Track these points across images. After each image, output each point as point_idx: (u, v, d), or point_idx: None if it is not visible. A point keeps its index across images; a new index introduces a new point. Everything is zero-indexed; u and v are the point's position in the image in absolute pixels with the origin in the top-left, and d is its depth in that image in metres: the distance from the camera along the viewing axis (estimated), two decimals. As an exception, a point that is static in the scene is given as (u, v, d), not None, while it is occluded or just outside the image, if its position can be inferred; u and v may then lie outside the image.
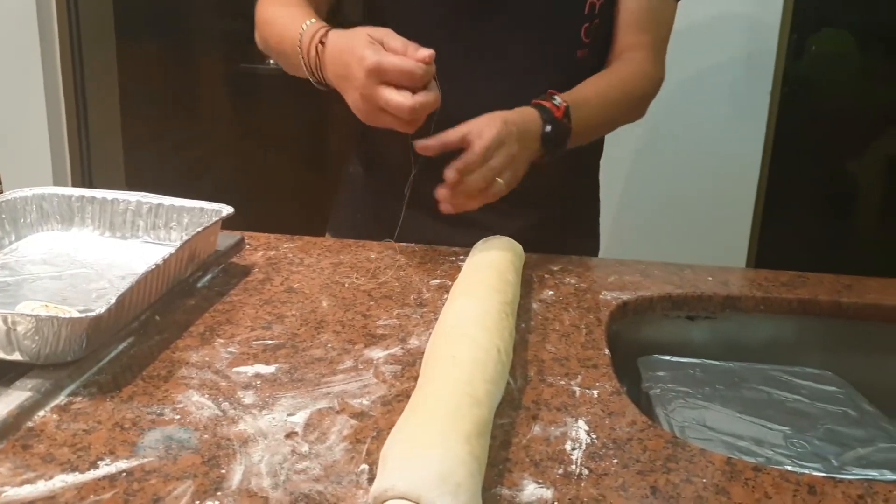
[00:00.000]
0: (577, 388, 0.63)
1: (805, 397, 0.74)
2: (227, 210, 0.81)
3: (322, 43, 0.82)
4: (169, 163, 2.36)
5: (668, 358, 0.81)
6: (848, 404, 0.73)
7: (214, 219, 0.80)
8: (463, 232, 0.98)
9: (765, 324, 0.86)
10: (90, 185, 1.95)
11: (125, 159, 2.05)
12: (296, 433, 0.55)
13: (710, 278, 0.87)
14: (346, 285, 0.80)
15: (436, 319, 0.72)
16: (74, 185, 1.93)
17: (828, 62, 2.27)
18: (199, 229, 0.75)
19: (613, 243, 1.84)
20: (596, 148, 1.10)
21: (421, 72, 0.74)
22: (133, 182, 2.06)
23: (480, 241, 0.84)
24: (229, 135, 2.66)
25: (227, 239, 0.87)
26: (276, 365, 0.64)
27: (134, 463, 0.51)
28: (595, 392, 0.62)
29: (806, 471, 0.59)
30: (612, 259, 0.92)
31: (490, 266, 0.74)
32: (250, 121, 2.67)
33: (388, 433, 0.52)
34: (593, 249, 1.14)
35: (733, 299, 0.84)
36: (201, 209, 0.83)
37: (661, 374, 0.77)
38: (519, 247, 0.84)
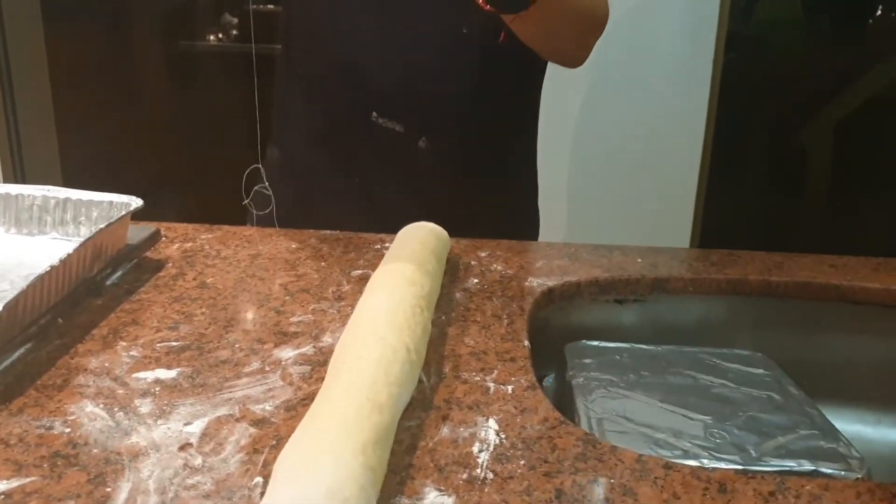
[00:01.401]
0: (491, 384, 0.61)
1: (731, 381, 0.73)
2: (135, 203, 0.78)
3: None
4: (108, 147, 2.30)
5: (595, 343, 0.79)
6: (774, 388, 0.72)
7: (122, 213, 0.76)
8: (375, 217, 0.96)
9: (695, 305, 0.85)
10: (23, 177, 1.88)
11: (60, 146, 1.98)
12: (190, 444, 0.52)
13: (640, 260, 0.86)
14: (263, 279, 0.77)
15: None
16: (6, 179, 1.87)
17: (773, 27, 2.27)
18: (103, 226, 0.72)
19: (554, 219, 1.83)
20: (530, 114, 1.07)
21: None
22: (70, 169, 2.00)
23: (403, 230, 0.81)
24: (170, 115, 2.59)
25: (141, 231, 0.83)
26: (179, 369, 0.61)
27: (14, 484, 0.48)
28: (510, 388, 0.60)
29: (722, 464, 0.58)
30: (543, 242, 0.90)
31: (408, 257, 0.72)
32: (192, 100, 2.60)
33: (287, 441, 0.49)
34: (532, 228, 1.13)
35: (661, 281, 0.83)
36: (110, 203, 0.80)
37: (587, 360, 0.75)
38: (444, 233, 0.82)
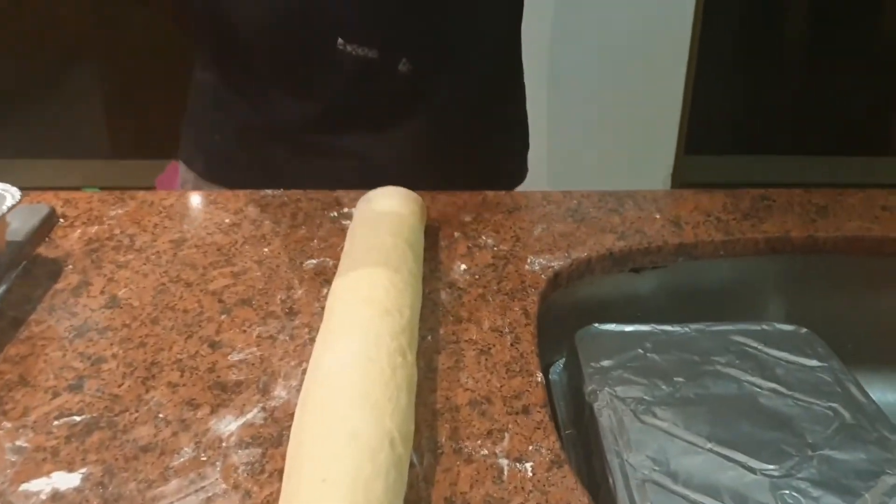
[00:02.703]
0: (504, 461, 0.46)
1: (783, 384, 0.59)
2: (12, 197, 0.59)
3: None
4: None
5: (611, 328, 0.65)
6: (834, 393, 0.58)
7: (-6, 214, 0.58)
8: (342, 166, 0.78)
9: (723, 268, 0.70)
10: None
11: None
12: None
13: (658, 216, 0.70)
14: (190, 284, 0.60)
15: (311, 339, 0.54)
16: None
17: None
18: (-35, 246, 0.54)
19: (538, 117, 1.66)
20: (515, 13, 0.88)
21: None
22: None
23: (364, 202, 0.64)
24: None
25: (30, 216, 0.65)
26: (84, 469, 0.45)
27: None
28: (529, 465, 0.46)
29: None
30: (538, 193, 0.74)
31: (377, 261, 0.55)
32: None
33: None
34: (523, 142, 0.96)
35: (688, 247, 0.67)
36: (-22, 195, 0.61)
37: (605, 363, 0.61)
38: (417, 202, 0.65)
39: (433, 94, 0.81)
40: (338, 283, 0.54)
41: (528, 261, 0.64)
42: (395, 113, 0.81)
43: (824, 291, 0.72)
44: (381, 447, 0.42)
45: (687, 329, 0.65)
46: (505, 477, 0.45)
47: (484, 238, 0.66)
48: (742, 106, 2.31)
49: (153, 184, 1.84)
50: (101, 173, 2.24)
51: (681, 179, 1.88)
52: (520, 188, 0.94)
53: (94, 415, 0.49)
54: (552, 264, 0.63)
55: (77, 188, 1.93)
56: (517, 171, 0.95)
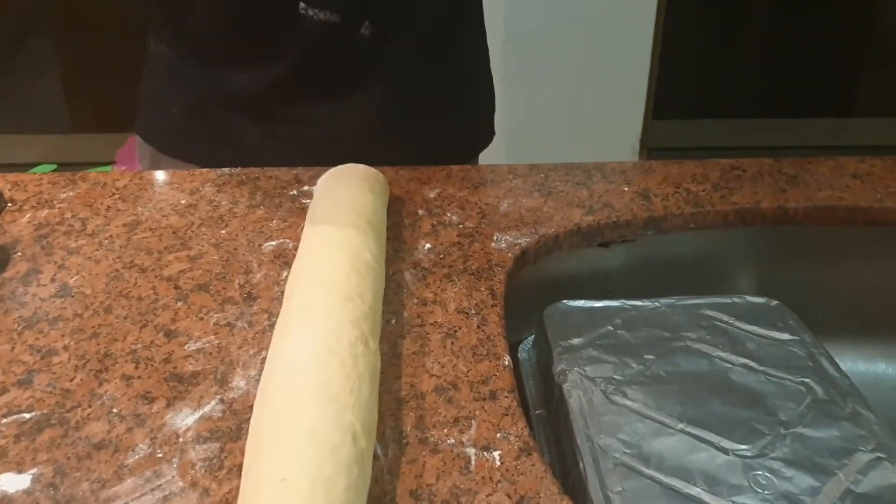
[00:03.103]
0: (471, 451, 0.45)
1: (754, 359, 0.58)
2: (-48, 182, 0.57)
3: None
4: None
5: (580, 304, 0.64)
6: (807, 367, 0.58)
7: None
8: (302, 134, 0.76)
9: (692, 240, 0.69)
10: None
11: None
12: None
13: (627, 188, 0.69)
14: (144, 270, 0.58)
15: (270, 326, 0.53)
16: None
17: None
18: None
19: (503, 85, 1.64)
20: None
21: None
22: None
23: (326, 179, 0.62)
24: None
25: (-25, 200, 0.62)
26: (35, 470, 0.43)
27: None
28: (497, 454, 0.45)
29: (782, 544, 0.44)
30: (504, 167, 0.72)
31: (338, 247, 0.53)
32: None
33: None
34: (489, 104, 0.94)
35: (657, 220, 0.66)
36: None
37: (574, 341, 0.60)
38: (380, 179, 0.63)
39: (396, 57, 0.79)
40: (297, 268, 0.52)
41: (495, 238, 0.62)
42: (357, 78, 0.79)
43: (794, 262, 0.71)
44: (343, 442, 0.40)
45: (657, 304, 0.64)
46: (472, 467, 0.44)
47: (449, 215, 0.65)
48: (710, 70, 2.29)
49: (113, 158, 1.80)
50: (60, 148, 2.19)
51: (649, 144, 1.87)
52: (484, 153, 0.92)
53: (45, 411, 0.47)
54: (519, 241, 0.62)
55: (34, 164, 1.89)
56: (484, 134, 0.94)
